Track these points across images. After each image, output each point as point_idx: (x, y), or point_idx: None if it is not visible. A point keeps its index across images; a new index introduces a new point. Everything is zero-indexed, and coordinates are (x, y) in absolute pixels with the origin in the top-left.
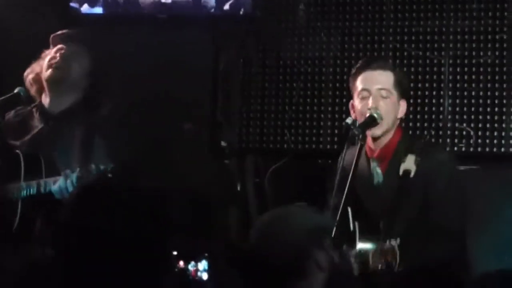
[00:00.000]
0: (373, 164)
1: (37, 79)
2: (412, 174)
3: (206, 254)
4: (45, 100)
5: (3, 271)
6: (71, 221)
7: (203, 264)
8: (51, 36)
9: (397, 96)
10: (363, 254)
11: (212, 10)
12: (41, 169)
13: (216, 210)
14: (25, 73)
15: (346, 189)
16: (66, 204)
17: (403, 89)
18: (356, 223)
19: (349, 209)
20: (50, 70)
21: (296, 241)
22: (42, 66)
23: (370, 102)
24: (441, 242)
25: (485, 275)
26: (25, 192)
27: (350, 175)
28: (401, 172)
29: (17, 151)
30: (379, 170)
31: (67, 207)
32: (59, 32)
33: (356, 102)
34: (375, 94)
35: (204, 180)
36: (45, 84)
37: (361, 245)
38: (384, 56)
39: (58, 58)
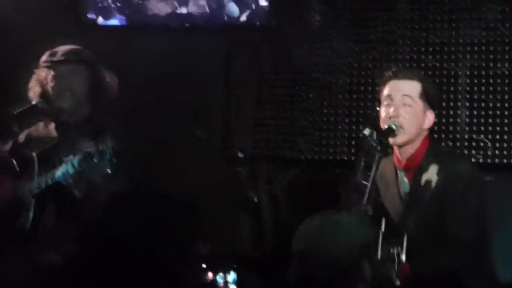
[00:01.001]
0: (401, 174)
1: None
2: (433, 184)
3: (235, 266)
4: (60, 110)
5: (17, 271)
6: (99, 230)
7: (231, 276)
8: (49, 53)
9: (423, 106)
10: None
11: (226, 18)
12: (53, 167)
13: (230, 218)
14: (30, 85)
15: (366, 194)
16: (95, 212)
17: (430, 100)
18: (381, 233)
19: (383, 220)
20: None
21: (346, 254)
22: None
23: (391, 110)
24: (455, 248)
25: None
26: (37, 189)
27: (371, 181)
28: (422, 182)
29: (32, 154)
30: (406, 180)
31: (95, 215)
32: (59, 51)
33: (381, 109)
34: (397, 101)
35: (217, 187)
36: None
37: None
38: (413, 67)
39: (56, 79)
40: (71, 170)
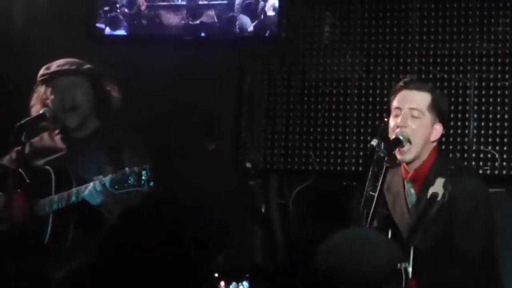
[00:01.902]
0: (408, 186)
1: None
2: (439, 197)
3: (247, 275)
4: (67, 126)
5: (35, 284)
6: (115, 240)
7: (244, 286)
8: (44, 67)
9: (431, 119)
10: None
11: (237, 30)
12: (71, 183)
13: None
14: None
15: (373, 206)
16: (111, 223)
17: (439, 113)
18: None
19: (390, 232)
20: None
21: (371, 275)
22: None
23: (399, 120)
24: (460, 265)
25: None
26: (56, 205)
27: (377, 193)
28: (428, 195)
29: (47, 167)
30: (413, 191)
31: (112, 226)
32: (62, 67)
33: (391, 120)
34: (405, 112)
35: (229, 200)
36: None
37: None
38: (423, 78)
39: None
40: (99, 188)
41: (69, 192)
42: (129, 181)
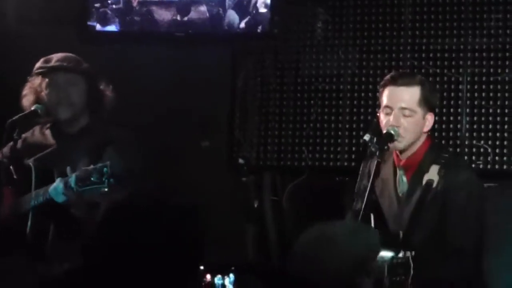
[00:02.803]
0: (400, 173)
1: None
2: (434, 185)
3: (233, 268)
4: (59, 120)
5: (17, 283)
6: (101, 237)
7: (230, 278)
8: (43, 60)
9: (423, 112)
10: (380, 264)
11: (226, 27)
12: (53, 180)
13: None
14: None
15: (365, 196)
16: (98, 220)
17: (430, 104)
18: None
19: (372, 216)
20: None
21: (345, 267)
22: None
23: (391, 119)
24: (455, 259)
25: None
26: (33, 202)
27: (369, 184)
28: (423, 182)
29: (30, 164)
30: (404, 179)
31: (99, 222)
32: (52, 64)
33: (381, 116)
34: (396, 112)
35: (222, 196)
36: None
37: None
38: (410, 72)
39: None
40: (61, 187)
41: (43, 189)
42: (92, 178)
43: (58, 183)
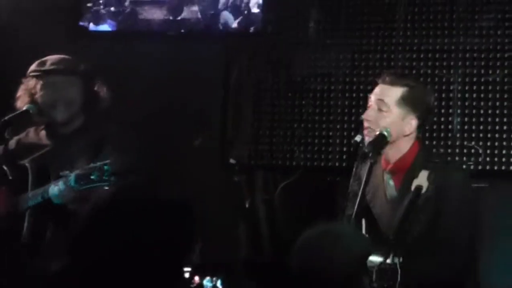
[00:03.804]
0: (387, 177)
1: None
2: (424, 190)
3: (224, 268)
4: (55, 121)
5: (13, 282)
6: (85, 234)
7: (218, 280)
8: (38, 62)
9: (401, 113)
10: (368, 268)
11: (221, 27)
12: (49, 180)
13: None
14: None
15: (357, 201)
16: (81, 217)
17: (412, 107)
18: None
19: (363, 221)
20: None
21: (345, 266)
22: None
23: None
24: (448, 259)
25: None
26: (31, 201)
27: (361, 188)
28: (412, 188)
29: (26, 164)
30: (391, 183)
31: (82, 220)
32: (48, 67)
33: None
34: (373, 105)
35: (214, 195)
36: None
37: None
38: (404, 74)
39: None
40: (62, 187)
41: (41, 188)
42: (92, 177)
43: (60, 185)
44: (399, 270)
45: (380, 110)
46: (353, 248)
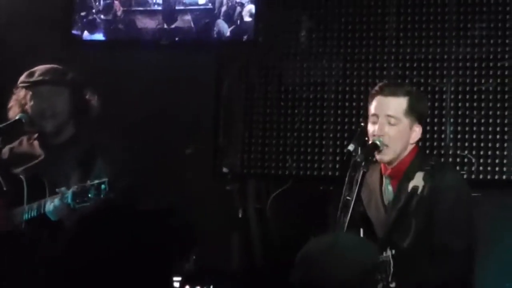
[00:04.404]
0: (386, 181)
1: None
2: (419, 190)
3: (214, 278)
4: (44, 132)
5: None
6: (73, 246)
7: None
8: (27, 73)
9: (409, 122)
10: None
11: (215, 35)
12: (45, 193)
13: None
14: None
15: (350, 209)
16: (69, 229)
17: (417, 115)
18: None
19: (361, 230)
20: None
21: (351, 279)
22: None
23: (376, 127)
24: (444, 261)
25: None
26: (27, 215)
27: (355, 196)
28: (409, 189)
29: (20, 176)
30: (390, 188)
31: (70, 232)
32: (36, 77)
33: (369, 125)
34: (382, 120)
35: (206, 204)
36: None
37: None
38: (400, 82)
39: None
40: (58, 204)
41: (39, 203)
42: (90, 195)
43: (56, 201)
44: (391, 262)
45: (390, 124)
46: (362, 258)
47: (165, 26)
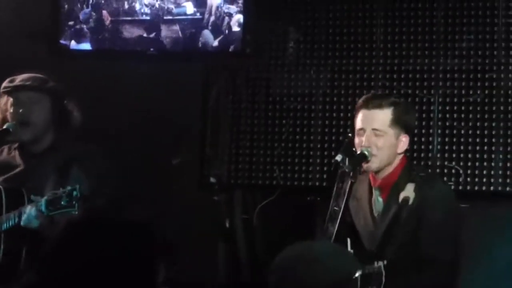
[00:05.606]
0: (376, 193)
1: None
2: (410, 201)
3: None
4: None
5: None
6: (56, 256)
7: None
8: (9, 79)
9: (395, 133)
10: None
11: (200, 45)
12: (24, 202)
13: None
14: None
15: (338, 220)
16: (52, 239)
17: (403, 125)
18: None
19: (349, 240)
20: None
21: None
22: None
23: (363, 139)
24: (431, 272)
25: None
26: (5, 224)
27: (342, 207)
28: (400, 200)
29: None
30: (380, 199)
31: (53, 242)
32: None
33: (356, 138)
34: (368, 134)
35: (193, 215)
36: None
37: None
38: (385, 93)
39: (19, 109)
40: (33, 212)
41: (16, 212)
42: (62, 202)
43: (30, 210)
44: (383, 273)
45: (376, 135)
46: (337, 266)
47: (153, 36)
